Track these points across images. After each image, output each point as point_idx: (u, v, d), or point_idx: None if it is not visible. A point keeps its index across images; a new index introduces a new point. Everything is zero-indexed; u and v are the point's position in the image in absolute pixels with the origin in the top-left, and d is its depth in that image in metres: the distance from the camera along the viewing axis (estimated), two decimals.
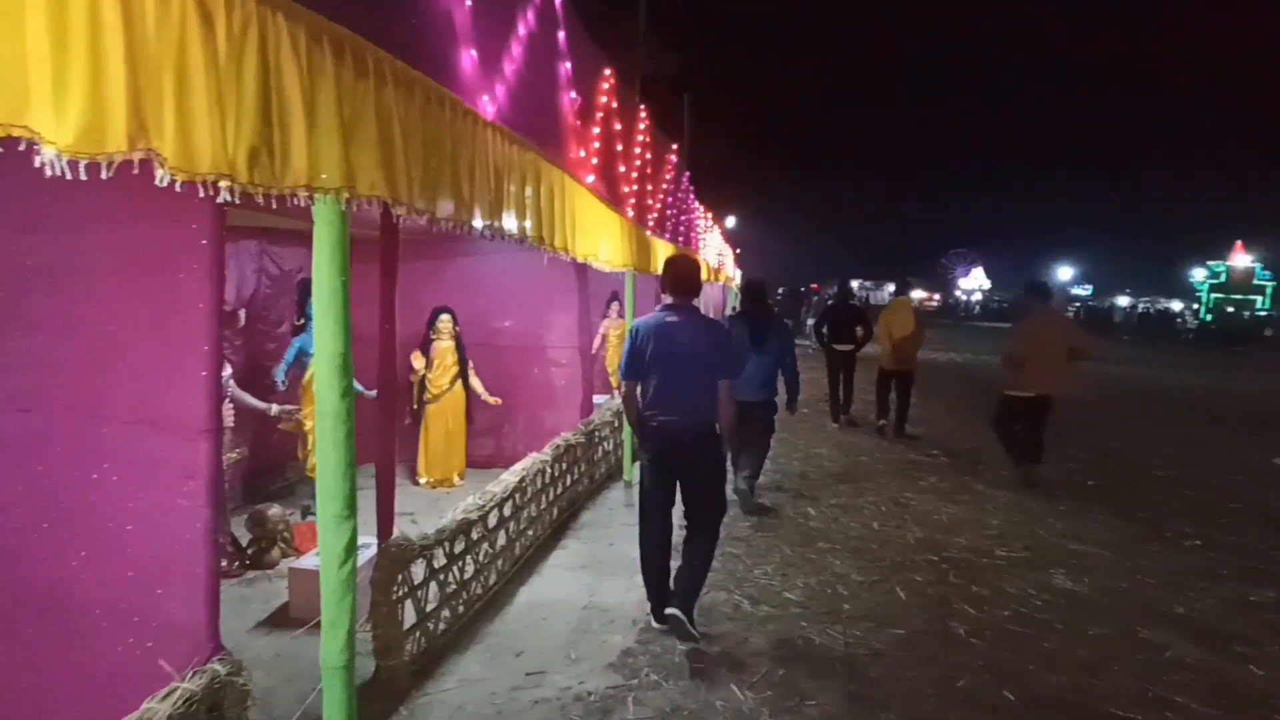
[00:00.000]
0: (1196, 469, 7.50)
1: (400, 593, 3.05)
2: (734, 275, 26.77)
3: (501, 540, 4.07)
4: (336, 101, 1.71)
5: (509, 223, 2.80)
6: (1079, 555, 4.85)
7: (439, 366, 5.99)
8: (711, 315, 14.18)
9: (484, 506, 3.81)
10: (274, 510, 4.25)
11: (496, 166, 2.61)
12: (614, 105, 5.11)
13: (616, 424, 6.61)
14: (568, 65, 3.92)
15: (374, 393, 3.56)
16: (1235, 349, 27.19)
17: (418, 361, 5.96)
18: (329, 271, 1.92)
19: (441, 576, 3.40)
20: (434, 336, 5.99)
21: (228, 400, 4.06)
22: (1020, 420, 6.50)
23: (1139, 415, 11.04)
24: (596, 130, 4.62)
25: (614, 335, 8.44)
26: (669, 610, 3.51)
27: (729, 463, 5.21)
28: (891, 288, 11.66)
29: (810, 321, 16.30)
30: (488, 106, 2.67)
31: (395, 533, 3.11)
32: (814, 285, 30.04)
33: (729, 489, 4.49)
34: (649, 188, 6.73)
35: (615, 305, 8.41)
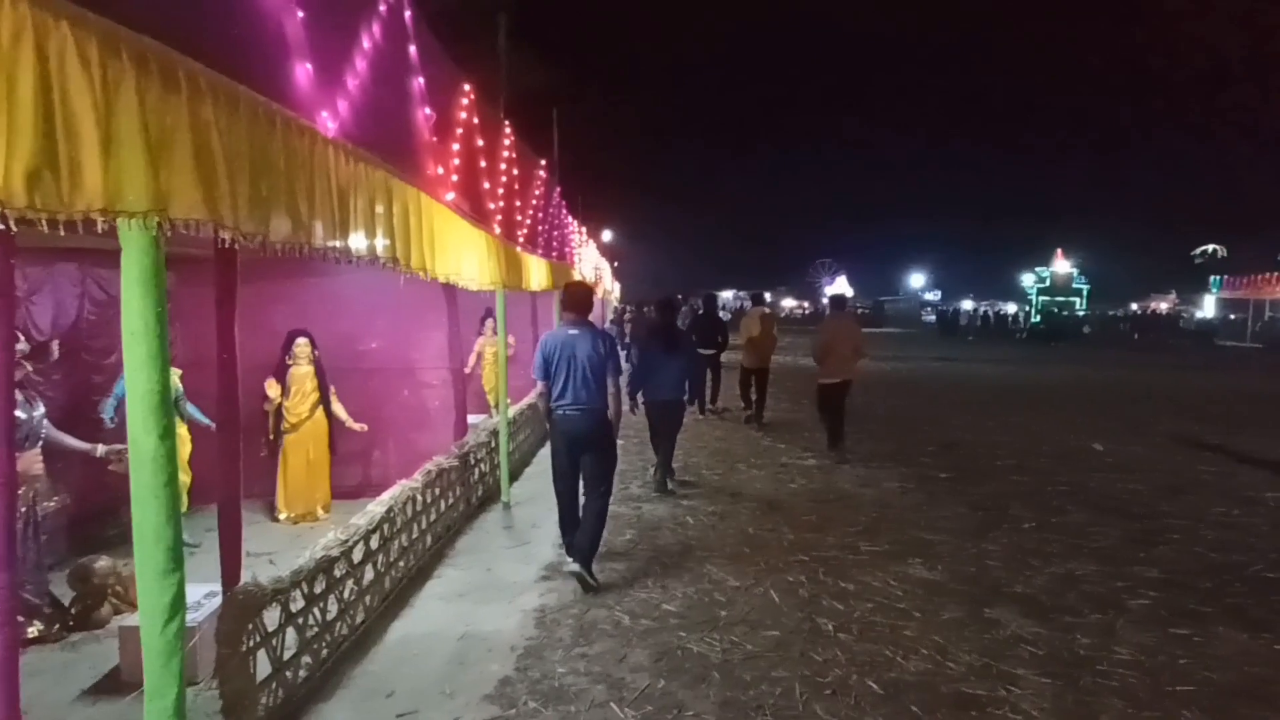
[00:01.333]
0: (1029, 456, 8.28)
1: (251, 643, 2.82)
2: (612, 288, 27.02)
3: (369, 575, 3.86)
4: (141, 118, 1.55)
5: (357, 243, 2.67)
6: (933, 545, 5.22)
7: (297, 394, 5.63)
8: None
9: (347, 541, 3.60)
10: (101, 563, 3.82)
11: (340, 185, 2.48)
12: (475, 121, 5.01)
13: (493, 444, 6.45)
14: (420, 80, 3.81)
15: (214, 425, 3.29)
16: (1059, 345, 30.26)
17: (272, 389, 5.58)
18: (141, 304, 1.74)
19: (300, 620, 3.18)
20: (291, 362, 5.64)
21: (39, 444, 3.62)
22: (830, 401, 8.08)
23: (980, 409, 12.06)
24: (456, 146, 4.51)
25: (489, 353, 8.25)
26: (569, 567, 4.37)
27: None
28: (766, 295, 13.41)
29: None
30: (329, 123, 2.54)
31: (245, 577, 2.88)
32: (679, 295, 31.23)
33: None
34: (517, 204, 6.66)
35: (490, 322, 8.23)
